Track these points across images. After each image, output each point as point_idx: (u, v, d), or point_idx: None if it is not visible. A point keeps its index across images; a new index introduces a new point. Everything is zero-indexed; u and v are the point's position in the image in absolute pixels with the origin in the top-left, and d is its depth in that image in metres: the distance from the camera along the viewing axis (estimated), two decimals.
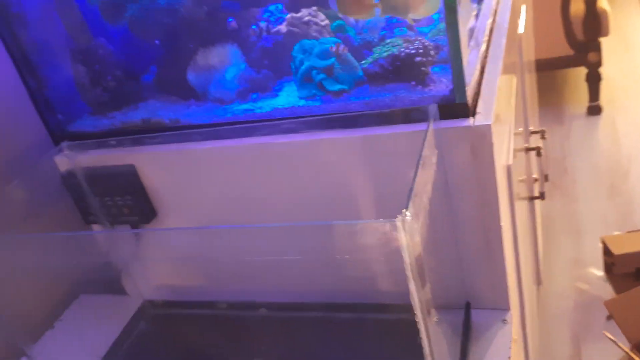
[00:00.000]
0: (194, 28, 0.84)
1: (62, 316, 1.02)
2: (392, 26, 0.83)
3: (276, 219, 0.81)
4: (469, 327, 0.78)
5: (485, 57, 0.83)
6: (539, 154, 1.28)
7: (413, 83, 0.72)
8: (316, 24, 0.82)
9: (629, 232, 1.70)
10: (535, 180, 1.30)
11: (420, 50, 0.71)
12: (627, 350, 1.28)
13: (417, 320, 0.54)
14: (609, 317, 1.54)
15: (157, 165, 0.86)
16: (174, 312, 0.96)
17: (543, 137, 1.35)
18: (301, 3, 0.81)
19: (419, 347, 0.70)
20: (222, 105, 0.84)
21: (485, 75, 0.79)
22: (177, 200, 0.88)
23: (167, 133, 0.83)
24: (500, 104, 0.78)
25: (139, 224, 0.91)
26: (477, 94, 0.74)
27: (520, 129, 1.19)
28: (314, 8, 0.83)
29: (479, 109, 0.72)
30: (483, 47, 0.83)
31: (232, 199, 0.83)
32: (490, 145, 0.69)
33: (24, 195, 0.91)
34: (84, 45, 0.88)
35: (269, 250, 0.74)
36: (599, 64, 2.28)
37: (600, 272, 1.69)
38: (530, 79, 1.54)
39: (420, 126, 0.70)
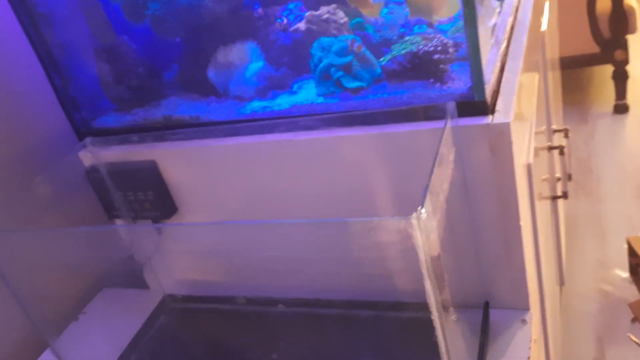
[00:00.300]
0: (215, 26, 0.85)
1: (85, 309, 1.05)
2: (411, 23, 0.83)
3: (295, 215, 0.82)
4: (488, 326, 0.78)
5: (505, 54, 0.82)
6: (562, 153, 1.26)
7: (431, 80, 0.72)
8: (335, 21, 0.82)
9: None
10: (558, 179, 1.29)
11: (439, 48, 0.71)
12: None
13: (432, 318, 0.54)
14: (634, 320, 1.51)
15: (177, 162, 0.87)
16: (194, 306, 0.97)
17: (566, 136, 1.33)
18: (320, 1, 0.82)
19: (437, 345, 0.70)
20: (241, 103, 0.85)
21: (505, 73, 0.78)
22: (198, 196, 0.89)
23: (187, 130, 0.84)
24: (521, 102, 0.77)
25: (160, 219, 0.92)
26: (496, 92, 0.73)
27: (543, 128, 1.18)
28: (333, 6, 0.83)
29: (498, 106, 0.71)
30: (503, 44, 0.82)
31: (251, 196, 0.84)
32: (509, 143, 0.69)
33: (49, 190, 0.93)
34: (108, 44, 0.89)
35: (287, 247, 0.74)
36: (625, 61, 2.23)
37: (625, 274, 1.66)
38: (554, 76, 1.52)
39: (439, 124, 0.70)
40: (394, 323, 0.82)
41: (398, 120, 0.71)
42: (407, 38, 0.74)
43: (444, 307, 0.57)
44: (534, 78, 1.03)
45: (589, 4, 2.18)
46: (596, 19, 2.18)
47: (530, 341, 0.76)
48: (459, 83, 0.71)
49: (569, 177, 1.34)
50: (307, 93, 0.80)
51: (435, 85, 0.72)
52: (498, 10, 0.90)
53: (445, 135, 0.61)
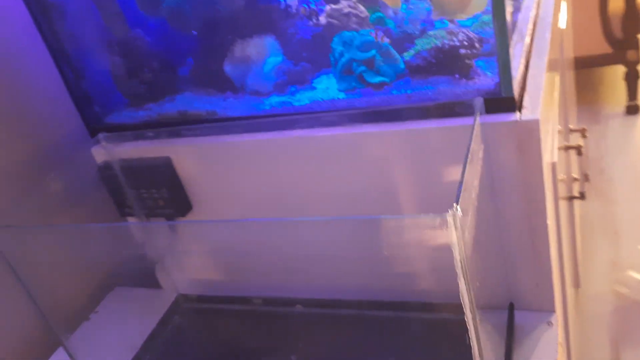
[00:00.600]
0: (232, 19, 0.83)
1: (97, 308, 1.03)
2: (432, 19, 0.81)
3: (315, 213, 0.80)
4: (513, 328, 0.76)
5: (529, 51, 0.80)
6: (579, 153, 1.24)
7: (457, 76, 0.70)
8: (356, 15, 0.80)
9: None
10: (575, 179, 1.27)
11: (465, 43, 0.69)
12: None
13: (465, 318, 0.52)
14: None
15: (193, 158, 0.85)
16: (208, 306, 0.95)
17: (584, 136, 1.31)
18: None
19: (461, 346, 0.68)
20: (259, 98, 0.83)
21: (530, 69, 0.76)
22: (213, 194, 0.87)
23: (204, 125, 0.82)
24: (545, 99, 0.75)
25: (174, 217, 0.90)
26: (522, 88, 0.71)
27: (560, 127, 1.16)
28: (353, 0, 0.81)
29: (525, 103, 0.69)
30: (527, 40, 0.80)
31: (269, 193, 0.82)
32: (538, 140, 0.67)
33: (61, 187, 0.92)
34: (121, 37, 0.87)
35: (309, 245, 0.73)
36: (637, 62, 2.21)
37: (639, 276, 1.63)
38: (570, 76, 1.50)
39: (465, 120, 0.68)
40: (417, 324, 0.80)
41: (423, 116, 0.69)
42: (431, 33, 0.73)
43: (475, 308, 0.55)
44: (555, 76, 1.01)
45: (601, 4, 2.16)
46: (608, 19, 2.16)
47: (557, 343, 0.74)
48: (485, 79, 0.69)
49: (586, 178, 1.32)
50: (327, 88, 0.78)
51: (461, 81, 0.70)
52: (521, 4, 0.88)
53: (475, 131, 0.59)
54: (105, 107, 0.92)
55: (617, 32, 2.17)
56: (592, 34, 2.19)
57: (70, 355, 0.79)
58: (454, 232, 0.47)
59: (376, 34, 0.71)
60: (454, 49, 0.69)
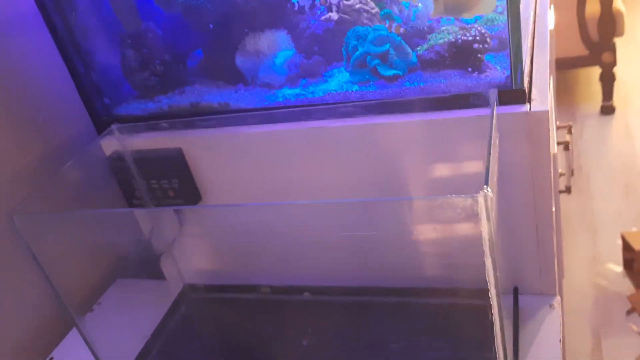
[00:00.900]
0: (244, 13, 0.85)
1: (100, 299, 1.03)
2: (438, 17, 0.84)
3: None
4: (518, 311, 0.79)
5: (532, 47, 0.84)
6: (566, 148, 1.30)
7: (469, 69, 0.73)
8: (367, 11, 0.83)
9: None
10: (562, 174, 1.32)
11: (478, 38, 0.72)
12: None
13: (490, 296, 0.55)
14: (629, 313, 1.56)
15: (205, 149, 0.86)
16: (216, 296, 0.97)
17: (570, 132, 1.36)
18: None
19: (471, 330, 0.71)
20: (270, 90, 0.85)
21: (535, 64, 0.80)
22: (224, 185, 0.88)
23: (217, 117, 0.84)
24: (551, 93, 0.79)
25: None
26: (530, 81, 0.75)
27: None
28: None
29: (533, 95, 0.73)
30: (529, 38, 0.84)
31: (281, 184, 0.84)
32: (547, 131, 0.70)
33: (71, 181, 0.92)
34: (134, 30, 0.88)
35: (323, 229, 0.75)
36: (613, 64, 2.30)
37: (618, 268, 1.70)
38: (555, 76, 1.56)
39: (478, 112, 0.71)
40: (426, 309, 0.83)
41: (437, 108, 0.72)
42: (443, 28, 0.76)
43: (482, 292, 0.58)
44: (550, 75, 1.06)
45: (578, 7, 2.24)
46: (585, 23, 2.24)
47: (559, 325, 0.78)
48: (496, 72, 0.73)
49: (572, 173, 1.37)
50: (340, 81, 0.81)
51: (473, 74, 0.73)
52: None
53: (493, 119, 0.62)
54: (115, 99, 0.92)
55: (594, 35, 2.25)
56: (570, 36, 2.27)
57: (84, 337, 0.79)
58: (484, 211, 0.50)
59: (390, 25, 0.74)
60: (467, 44, 0.72)
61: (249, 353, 0.85)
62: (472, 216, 0.52)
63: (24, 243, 0.71)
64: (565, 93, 2.56)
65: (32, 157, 0.94)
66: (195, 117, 0.85)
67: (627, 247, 1.66)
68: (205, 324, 0.93)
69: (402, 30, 0.75)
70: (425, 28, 0.82)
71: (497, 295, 0.54)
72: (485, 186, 0.51)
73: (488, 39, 0.73)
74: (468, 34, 0.72)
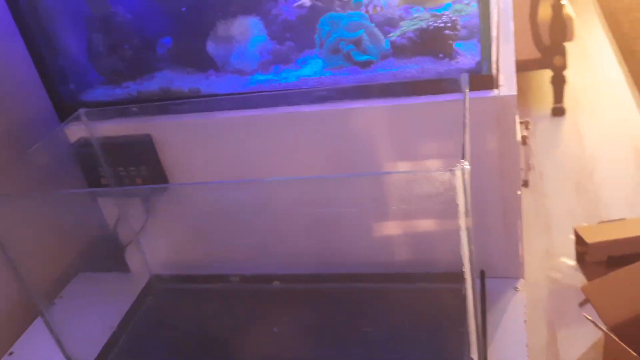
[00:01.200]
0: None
1: (61, 293, 1.00)
2: (407, 7, 0.86)
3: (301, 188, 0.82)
4: (485, 294, 0.81)
5: (498, 37, 0.86)
6: (524, 143, 1.34)
7: (440, 55, 0.75)
8: None
9: (600, 222, 1.79)
10: (520, 169, 1.36)
11: (449, 24, 0.74)
12: (605, 331, 1.34)
13: (464, 270, 0.57)
14: (582, 304, 1.62)
15: (175, 135, 0.85)
16: (184, 286, 0.95)
17: (527, 128, 1.41)
18: None
19: (444, 314, 0.73)
20: (243, 76, 0.84)
21: (501, 53, 0.83)
22: (194, 172, 0.87)
23: (188, 101, 0.83)
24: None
25: (152, 195, 0.90)
26: (497, 68, 0.78)
27: None
28: None
29: (501, 81, 0.75)
30: (494, 28, 0.87)
31: (255, 170, 0.83)
32: (513, 115, 0.73)
33: (33, 167, 0.89)
34: (101, 13, 0.86)
35: (300, 208, 0.75)
36: (563, 67, 2.39)
37: (571, 262, 1.77)
38: None
39: (449, 97, 0.73)
40: (396, 294, 0.84)
41: (410, 93, 0.74)
42: (415, 15, 0.77)
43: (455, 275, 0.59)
44: None
45: (531, 12, 2.32)
46: (537, 27, 2.33)
47: (524, 306, 0.80)
48: (466, 58, 0.75)
49: (529, 167, 1.42)
50: (313, 67, 0.81)
51: (444, 60, 0.75)
52: None
53: (465, 102, 0.64)
54: (81, 85, 0.90)
55: (545, 39, 2.34)
56: (523, 39, 2.35)
57: (49, 326, 0.76)
58: (461, 184, 0.52)
59: (367, 8, 0.75)
60: (438, 30, 0.74)
61: (219, 342, 0.84)
62: (448, 192, 0.53)
63: None
64: (518, 95, 2.65)
65: None
66: (166, 102, 0.84)
67: (579, 241, 1.72)
68: (174, 315, 0.91)
69: (379, 9, 0.76)
70: (397, 16, 0.83)
71: (471, 269, 0.55)
72: (462, 160, 0.52)
73: (458, 26, 0.75)
74: (439, 21, 0.74)
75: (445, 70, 0.75)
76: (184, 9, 0.86)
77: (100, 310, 0.92)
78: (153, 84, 0.87)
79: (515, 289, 0.83)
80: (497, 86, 0.74)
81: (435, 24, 0.74)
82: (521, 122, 1.43)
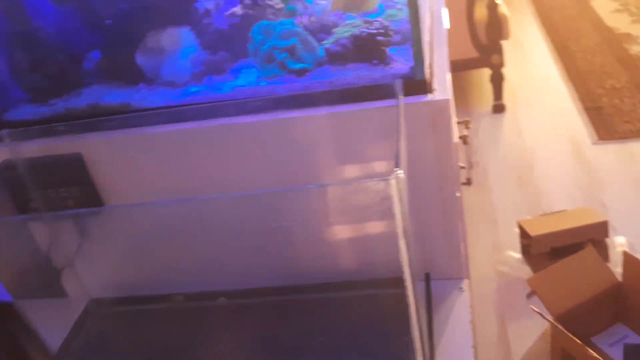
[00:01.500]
0: (144, 10, 0.82)
1: None
2: (340, 13, 0.86)
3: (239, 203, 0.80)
4: (431, 297, 0.82)
5: (431, 41, 0.87)
6: (465, 142, 1.37)
7: (375, 62, 0.75)
8: (271, 7, 0.82)
9: (542, 215, 1.84)
10: (462, 167, 1.39)
11: (381, 30, 0.74)
12: (551, 321, 1.38)
13: (404, 277, 0.56)
14: (529, 296, 1.66)
15: (107, 153, 0.82)
16: (125, 308, 0.91)
17: (467, 127, 1.44)
18: None
19: (390, 320, 0.73)
20: (175, 88, 0.82)
21: (435, 57, 0.83)
22: (129, 190, 0.84)
23: (119, 117, 0.80)
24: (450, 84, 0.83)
25: (85, 216, 0.86)
26: (431, 73, 0.78)
27: None
28: None
29: (435, 85, 0.76)
30: (427, 33, 0.88)
31: (192, 185, 0.81)
32: (448, 118, 0.73)
33: None
34: (23, 29, 0.82)
35: (235, 227, 0.73)
36: (501, 65, 2.45)
37: (517, 255, 1.82)
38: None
39: (384, 103, 0.73)
40: (342, 303, 0.84)
41: (345, 100, 0.73)
42: (348, 21, 0.77)
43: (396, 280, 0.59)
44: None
45: (468, 12, 2.37)
46: (474, 27, 2.38)
47: (469, 306, 0.81)
48: (399, 64, 0.75)
49: (472, 165, 1.45)
50: (248, 77, 0.80)
51: (379, 66, 0.75)
52: None
53: (400, 109, 0.64)
54: (3, 103, 0.85)
55: (483, 38, 2.40)
56: (461, 39, 2.40)
57: None
58: (396, 193, 0.51)
59: (301, 18, 0.74)
60: (371, 36, 0.74)
61: None
62: (385, 200, 0.53)
63: None
64: (460, 94, 2.71)
65: None
66: (95, 119, 0.80)
67: (523, 234, 1.77)
68: (115, 339, 0.88)
69: (311, 19, 0.76)
70: (331, 23, 0.83)
71: (411, 275, 0.55)
72: (396, 168, 0.52)
73: (391, 32, 0.75)
74: (371, 27, 0.74)
75: (380, 76, 0.74)
76: (110, 21, 0.82)
77: (36, 338, 0.88)
78: (81, 100, 0.84)
79: (460, 289, 0.84)
80: (431, 91, 0.74)
81: (368, 30, 0.74)
82: (461, 122, 1.46)
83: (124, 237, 0.86)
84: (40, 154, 0.82)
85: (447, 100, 0.72)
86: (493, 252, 1.86)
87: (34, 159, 0.82)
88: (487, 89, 2.54)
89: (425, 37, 0.84)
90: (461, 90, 2.74)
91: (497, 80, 2.48)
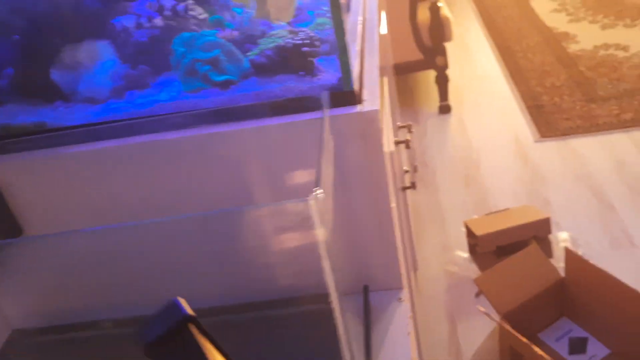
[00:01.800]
0: (58, 23, 0.77)
1: None
2: (269, 22, 0.83)
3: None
4: (369, 309, 0.80)
5: (362, 50, 0.86)
6: (407, 147, 1.36)
7: (302, 73, 0.73)
8: (194, 17, 0.79)
9: (487, 214, 1.86)
10: (406, 171, 1.38)
11: (307, 41, 0.72)
12: (498, 320, 1.40)
13: (330, 297, 0.54)
14: (477, 295, 1.68)
15: (23, 177, 0.77)
16: (51, 338, 0.86)
17: (410, 131, 1.43)
18: None
19: (324, 334, 0.70)
20: (95, 105, 0.78)
21: (365, 67, 0.82)
22: (49, 214, 0.79)
23: (33, 137, 0.75)
24: (381, 94, 0.82)
25: (2, 244, 0.80)
26: (360, 84, 0.76)
27: (391, 125, 1.26)
28: (191, 1, 0.80)
29: (364, 96, 0.74)
30: (359, 41, 0.86)
31: (115, 206, 0.77)
32: (378, 129, 0.72)
33: None
34: None
35: (160, 251, 0.70)
36: (445, 66, 2.48)
37: (465, 254, 1.83)
38: (392, 80, 1.64)
39: (312, 115, 0.71)
40: (275, 320, 0.81)
41: (272, 113, 0.71)
42: (273, 32, 0.74)
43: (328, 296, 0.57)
44: (384, 78, 1.10)
45: (411, 15, 2.39)
46: (418, 29, 2.40)
47: (408, 317, 0.80)
48: (327, 75, 0.73)
49: (415, 169, 1.45)
50: (171, 91, 0.76)
51: (306, 78, 0.73)
52: (350, 9, 0.94)
53: (325, 123, 0.62)
54: None
55: (426, 40, 2.42)
56: (406, 42, 2.42)
57: None
58: (316, 214, 0.49)
59: (224, 32, 0.71)
60: (296, 47, 0.71)
61: None
62: (308, 219, 0.51)
63: None
64: (407, 96, 2.73)
65: None
66: (6, 140, 0.75)
67: (470, 233, 1.79)
68: None
69: (235, 34, 0.73)
70: (257, 33, 0.80)
71: (338, 297, 0.53)
72: (315, 189, 0.50)
73: (317, 42, 0.73)
74: (297, 38, 0.72)
75: (307, 87, 0.72)
76: (20, 36, 0.77)
77: None
78: None
79: (399, 300, 0.83)
80: (360, 101, 0.72)
81: (293, 41, 0.72)
82: (404, 126, 1.45)
83: (46, 266, 0.81)
84: None
85: (376, 111, 0.71)
86: (442, 252, 1.88)
87: None
88: (433, 90, 2.57)
89: (356, 46, 0.82)
90: (407, 92, 2.76)
91: (442, 82, 2.51)
